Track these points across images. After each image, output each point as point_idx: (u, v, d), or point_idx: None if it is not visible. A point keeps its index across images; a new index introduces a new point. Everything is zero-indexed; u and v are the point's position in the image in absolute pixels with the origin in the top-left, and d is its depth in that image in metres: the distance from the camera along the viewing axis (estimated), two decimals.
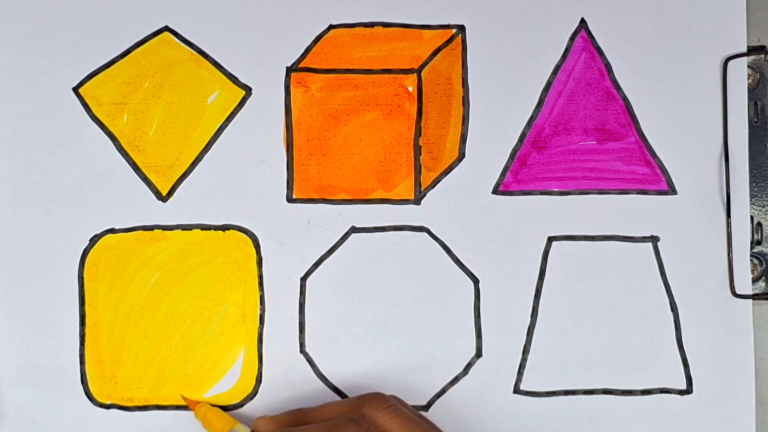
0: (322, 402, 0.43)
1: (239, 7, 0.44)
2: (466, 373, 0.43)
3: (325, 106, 0.44)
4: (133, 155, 0.44)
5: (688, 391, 0.43)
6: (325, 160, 0.44)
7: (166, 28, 0.44)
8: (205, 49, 0.44)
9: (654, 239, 0.44)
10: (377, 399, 0.39)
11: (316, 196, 0.44)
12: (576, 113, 0.44)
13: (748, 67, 0.44)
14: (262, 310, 0.44)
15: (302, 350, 0.44)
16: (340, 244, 0.44)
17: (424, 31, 0.44)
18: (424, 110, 0.44)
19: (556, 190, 0.44)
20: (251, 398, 0.43)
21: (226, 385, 0.43)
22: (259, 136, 0.44)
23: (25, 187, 0.44)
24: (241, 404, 0.43)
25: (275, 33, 0.44)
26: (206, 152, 0.44)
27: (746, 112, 0.44)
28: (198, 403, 0.43)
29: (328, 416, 0.39)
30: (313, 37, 0.44)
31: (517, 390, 0.43)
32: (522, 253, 0.44)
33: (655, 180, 0.44)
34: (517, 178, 0.44)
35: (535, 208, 0.44)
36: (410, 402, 0.43)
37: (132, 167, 0.44)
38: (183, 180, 0.44)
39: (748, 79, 0.44)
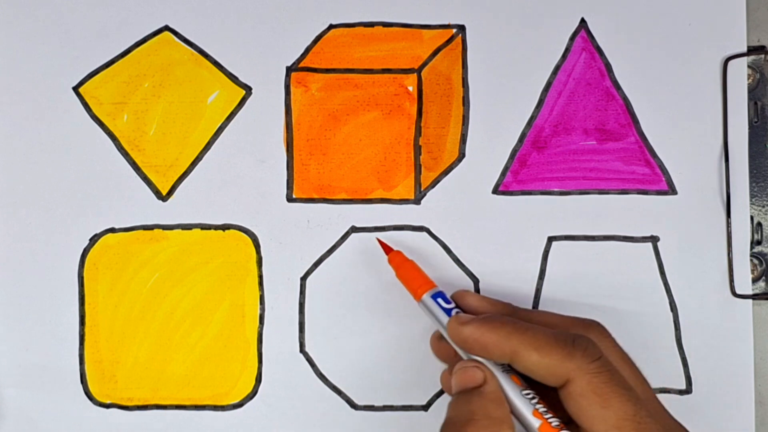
0: (322, 402, 0.43)
1: (239, 7, 0.44)
2: None
3: (325, 106, 0.44)
4: (133, 155, 0.44)
5: (688, 390, 0.44)
6: (325, 160, 0.44)
7: (166, 28, 0.44)
8: (205, 49, 0.44)
9: (654, 239, 0.44)
10: (599, 328, 0.37)
11: (316, 196, 0.44)
12: (576, 113, 0.44)
13: (748, 67, 0.44)
14: (262, 310, 0.44)
15: (302, 350, 0.44)
16: (340, 244, 0.44)
17: (424, 31, 0.44)
18: (424, 110, 0.44)
19: (556, 190, 0.44)
20: (251, 398, 0.43)
21: (226, 385, 0.43)
22: (259, 135, 0.44)
23: (25, 187, 0.44)
24: (240, 404, 0.43)
25: (275, 33, 0.44)
26: (206, 152, 0.44)
27: (746, 112, 0.44)
28: (392, 250, 0.41)
29: (550, 323, 0.38)
30: (313, 37, 0.44)
31: None
32: (522, 253, 0.44)
33: (655, 180, 0.44)
34: (517, 178, 0.44)
35: (535, 208, 0.44)
36: (410, 402, 0.43)
37: (132, 167, 0.44)
38: (183, 180, 0.44)
39: (748, 79, 0.44)
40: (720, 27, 0.44)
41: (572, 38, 0.44)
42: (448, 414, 0.36)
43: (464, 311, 0.39)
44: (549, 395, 0.35)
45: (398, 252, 0.41)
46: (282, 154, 0.44)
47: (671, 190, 0.44)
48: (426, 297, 0.39)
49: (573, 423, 0.35)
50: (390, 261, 0.41)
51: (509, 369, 0.36)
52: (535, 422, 0.35)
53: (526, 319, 0.38)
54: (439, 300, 0.39)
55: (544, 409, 0.35)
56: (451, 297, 0.39)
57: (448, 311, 0.38)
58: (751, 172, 0.44)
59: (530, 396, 0.35)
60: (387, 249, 0.42)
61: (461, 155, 0.44)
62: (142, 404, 0.43)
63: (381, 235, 0.44)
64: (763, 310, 0.44)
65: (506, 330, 0.35)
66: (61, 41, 0.44)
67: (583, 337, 0.35)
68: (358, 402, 0.43)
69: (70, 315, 0.43)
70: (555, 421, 0.35)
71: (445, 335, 0.38)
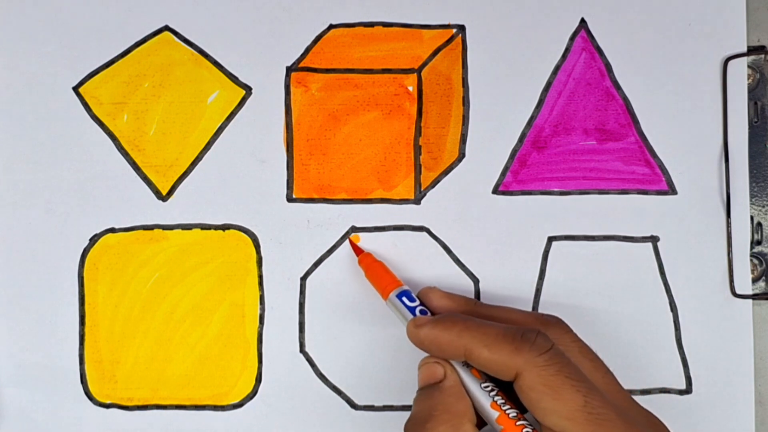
0: (322, 402, 0.43)
1: (239, 7, 0.44)
2: None
3: (325, 105, 0.44)
4: (133, 155, 0.44)
5: (688, 391, 0.44)
6: (325, 160, 0.44)
7: (166, 28, 0.44)
8: (205, 49, 0.44)
9: (654, 239, 0.44)
10: (559, 323, 0.38)
11: (316, 196, 0.44)
12: (576, 113, 0.44)
13: (748, 67, 0.44)
14: (262, 310, 0.44)
15: (302, 350, 0.44)
16: (340, 244, 0.44)
17: (424, 31, 0.44)
18: (424, 110, 0.44)
19: (556, 190, 0.44)
20: (251, 398, 0.43)
21: (226, 385, 0.43)
22: (259, 136, 0.44)
23: (25, 187, 0.44)
24: (240, 404, 0.43)
25: (275, 33, 0.44)
26: (206, 152, 0.44)
27: (746, 112, 0.44)
28: (363, 252, 0.42)
29: (507, 320, 0.39)
30: (313, 37, 0.44)
31: None
32: (522, 253, 0.44)
33: (655, 180, 0.44)
34: (517, 178, 0.44)
35: (535, 208, 0.44)
36: (410, 402, 0.43)
37: (132, 167, 0.44)
38: (183, 180, 0.44)
39: (748, 79, 0.44)
40: (720, 27, 0.44)
41: (572, 38, 0.44)
42: (412, 410, 0.37)
43: (428, 309, 0.39)
44: (513, 389, 0.36)
45: (368, 253, 0.42)
46: (282, 154, 0.44)
47: (671, 190, 0.44)
48: (392, 296, 0.40)
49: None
50: (360, 263, 0.42)
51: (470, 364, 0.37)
52: (493, 414, 0.35)
53: (486, 315, 0.39)
54: (404, 299, 0.39)
55: (503, 401, 0.35)
56: (417, 295, 0.40)
57: (412, 309, 0.39)
58: (751, 172, 0.44)
59: (489, 389, 0.36)
60: (357, 251, 0.42)
61: (461, 155, 0.44)
62: (142, 404, 0.43)
63: (381, 235, 0.44)
64: (763, 310, 0.44)
65: (458, 328, 0.36)
66: (61, 41, 0.44)
67: (532, 330, 0.35)
68: (358, 402, 0.44)
69: (70, 315, 0.43)
70: (512, 412, 0.35)
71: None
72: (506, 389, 0.36)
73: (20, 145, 0.44)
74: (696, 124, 0.44)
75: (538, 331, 0.35)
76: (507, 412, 0.35)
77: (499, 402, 0.35)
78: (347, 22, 0.44)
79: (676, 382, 0.44)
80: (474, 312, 0.39)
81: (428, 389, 0.37)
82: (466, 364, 0.37)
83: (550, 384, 0.34)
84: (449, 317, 0.37)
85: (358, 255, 0.42)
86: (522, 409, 0.36)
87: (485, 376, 0.37)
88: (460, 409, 0.36)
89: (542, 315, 0.39)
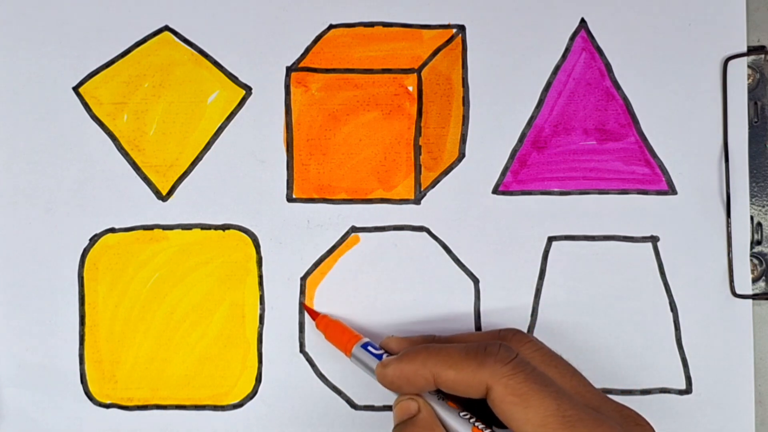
0: (322, 402, 0.43)
1: (239, 7, 0.44)
2: None
3: (325, 106, 0.44)
4: (133, 155, 0.44)
5: (688, 391, 0.44)
6: (325, 160, 0.44)
7: (166, 28, 0.44)
8: (205, 49, 0.44)
9: (654, 239, 0.44)
10: (518, 333, 0.38)
11: (316, 196, 0.44)
12: (576, 113, 0.44)
13: (748, 67, 0.44)
14: (262, 310, 0.44)
15: (302, 350, 0.44)
16: (340, 244, 0.44)
17: (424, 31, 0.44)
18: (424, 110, 0.44)
19: (556, 190, 0.44)
20: (251, 398, 0.43)
21: (226, 385, 0.43)
22: (259, 136, 0.44)
23: (25, 187, 0.44)
24: (240, 404, 0.43)
25: (275, 33, 0.44)
26: (206, 152, 0.44)
27: (746, 112, 0.44)
28: (319, 314, 0.42)
29: (467, 341, 0.39)
30: (313, 37, 0.44)
31: None
32: (522, 253, 0.44)
33: (655, 180, 0.44)
34: (517, 178, 0.44)
35: (535, 208, 0.44)
36: None
37: (132, 167, 0.44)
38: (183, 180, 0.44)
39: (748, 79, 0.44)
40: (720, 27, 0.44)
41: (572, 38, 0.44)
42: None
43: (392, 354, 0.39)
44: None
45: (324, 315, 0.42)
46: (282, 154, 0.44)
47: (671, 190, 0.44)
48: (355, 349, 0.40)
49: None
50: (317, 326, 0.42)
51: (445, 396, 0.37)
52: None
53: (445, 342, 0.39)
54: (369, 348, 0.40)
55: (483, 426, 0.36)
56: (380, 345, 0.40)
57: (378, 356, 0.39)
58: (751, 172, 0.44)
59: (467, 416, 0.36)
60: (313, 314, 0.43)
61: (461, 155, 0.44)
62: (142, 404, 0.43)
63: (381, 235, 0.44)
64: (763, 310, 0.44)
65: (422, 357, 0.36)
66: (61, 41, 0.44)
67: (494, 343, 0.36)
68: (358, 402, 0.44)
69: (70, 315, 0.43)
70: (497, 429, 0.35)
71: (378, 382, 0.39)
72: (484, 418, 0.36)
73: (20, 145, 0.44)
74: (696, 124, 0.44)
75: (500, 343, 0.36)
76: (489, 431, 0.36)
77: (480, 426, 0.36)
78: (347, 22, 0.44)
79: (676, 382, 0.44)
80: (433, 343, 0.39)
81: (402, 425, 0.37)
82: (441, 397, 0.37)
83: (519, 393, 0.34)
84: (411, 349, 0.37)
85: (314, 319, 0.42)
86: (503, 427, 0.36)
87: (461, 406, 0.37)
88: None
89: (500, 330, 0.39)
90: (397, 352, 0.39)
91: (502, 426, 0.35)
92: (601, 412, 0.35)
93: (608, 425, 0.34)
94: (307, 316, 0.43)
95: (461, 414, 0.36)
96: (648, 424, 0.36)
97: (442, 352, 0.36)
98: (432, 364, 0.36)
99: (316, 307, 0.43)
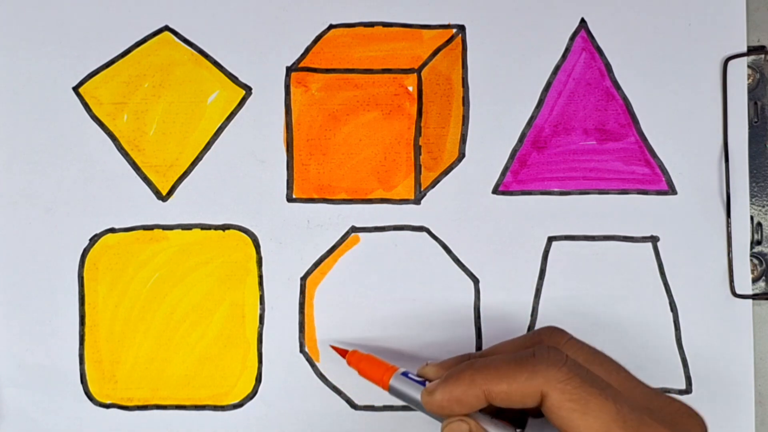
0: (322, 402, 0.43)
1: (239, 7, 0.44)
2: None
3: (325, 106, 0.44)
4: (133, 155, 0.44)
5: (688, 390, 0.44)
6: (325, 160, 0.44)
7: (166, 28, 0.44)
8: (205, 49, 0.44)
9: (654, 239, 0.44)
10: (557, 332, 0.37)
11: (316, 196, 0.44)
12: (576, 113, 0.44)
13: (748, 67, 0.44)
14: (262, 310, 0.44)
15: (302, 350, 0.44)
16: (340, 244, 0.44)
17: (424, 31, 0.44)
18: (424, 110, 0.44)
19: (556, 190, 0.44)
20: (251, 398, 0.43)
21: (226, 385, 0.43)
22: (259, 136, 0.44)
23: (25, 187, 0.44)
24: (240, 404, 0.43)
25: (275, 33, 0.44)
26: (206, 152, 0.44)
27: (746, 112, 0.44)
28: (347, 351, 0.41)
29: (506, 350, 0.37)
30: (313, 37, 0.44)
31: None
32: (522, 253, 0.44)
33: (655, 180, 0.44)
34: (517, 178, 0.44)
35: (535, 208, 0.44)
36: None
37: (132, 167, 0.44)
38: (183, 180, 0.44)
39: (748, 79, 0.44)
40: (720, 27, 0.44)
41: (572, 38, 0.44)
42: None
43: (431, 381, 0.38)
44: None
45: (353, 351, 0.41)
46: (282, 154, 0.44)
47: (671, 190, 0.44)
48: (393, 380, 0.38)
49: None
50: (349, 363, 0.41)
51: (492, 412, 0.36)
52: None
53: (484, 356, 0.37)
54: (409, 376, 0.38)
55: None
56: (417, 373, 0.38)
57: (420, 383, 0.37)
58: (751, 172, 0.44)
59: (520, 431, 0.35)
60: (341, 352, 0.41)
61: (461, 155, 0.44)
62: (142, 404, 0.43)
63: (381, 235, 0.44)
64: (763, 310, 0.44)
65: (468, 375, 0.34)
66: (61, 41, 0.44)
67: (542, 347, 0.34)
68: (358, 402, 0.44)
69: (70, 315, 0.43)
70: None
71: (425, 411, 0.37)
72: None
73: (20, 145, 0.44)
74: (696, 124, 0.44)
75: (547, 346, 0.34)
76: None
77: None
78: (347, 22, 0.44)
79: (676, 382, 0.44)
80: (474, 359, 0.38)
81: None
82: (491, 414, 0.36)
83: (576, 399, 0.32)
84: (455, 370, 0.35)
85: (344, 356, 0.41)
86: None
87: (511, 423, 0.36)
88: None
89: (537, 331, 0.37)
90: (436, 378, 0.37)
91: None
92: (653, 411, 0.34)
93: (666, 428, 0.33)
94: (306, 316, 0.43)
95: (517, 430, 0.35)
96: (698, 415, 0.35)
97: (490, 366, 0.34)
98: (481, 380, 0.34)
99: (316, 307, 0.43)
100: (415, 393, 0.37)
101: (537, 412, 0.35)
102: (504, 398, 0.34)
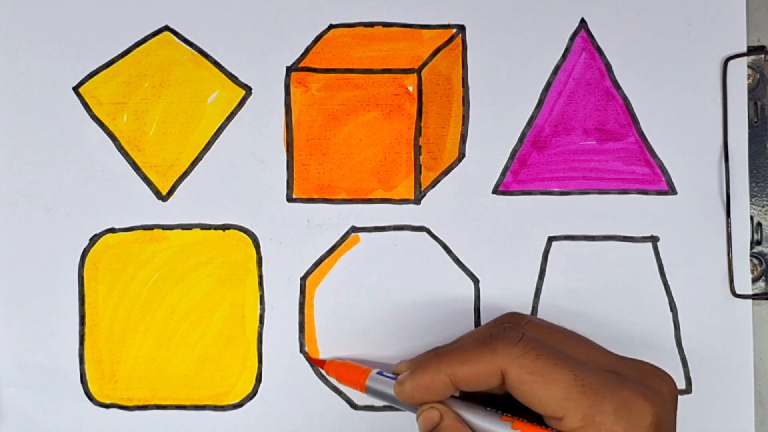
0: (322, 402, 0.43)
1: (239, 7, 0.44)
2: None
3: (325, 106, 0.44)
4: (133, 155, 0.44)
5: (688, 390, 0.44)
6: (325, 160, 0.44)
7: (166, 28, 0.44)
8: (205, 49, 0.44)
9: (654, 239, 0.44)
10: (516, 315, 0.39)
11: (316, 196, 0.44)
12: (576, 113, 0.44)
13: (748, 67, 0.44)
14: (262, 310, 0.44)
15: (302, 350, 0.44)
16: (340, 244, 0.44)
17: (424, 31, 0.44)
18: (424, 110, 0.44)
19: (556, 190, 0.44)
20: (251, 398, 0.43)
21: (226, 385, 0.43)
22: (259, 136, 0.44)
23: (25, 187, 0.44)
24: (240, 404, 0.43)
25: (275, 33, 0.44)
26: (206, 152, 0.44)
27: (746, 112, 0.44)
28: (325, 362, 0.42)
29: (469, 337, 0.38)
30: (313, 37, 0.44)
31: None
32: (522, 253, 0.44)
33: (655, 180, 0.44)
34: (517, 178, 0.44)
35: (535, 208, 0.44)
36: None
37: (132, 167, 0.44)
38: (183, 180, 0.44)
39: (748, 79, 0.44)
40: (720, 27, 0.44)
41: (572, 38, 0.44)
42: None
43: None
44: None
45: (330, 361, 0.42)
46: (282, 154, 0.44)
47: (671, 190, 0.44)
48: (369, 381, 0.39)
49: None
50: (327, 373, 0.42)
51: (467, 398, 0.37)
52: (507, 424, 0.35)
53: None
54: (383, 375, 0.39)
55: (511, 414, 0.36)
56: (392, 372, 0.40)
57: (393, 378, 0.39)
58: (751, 172, 0.44)
59: (494, 410, 0.36)
60: (319, 363, 0.42)
61: (461, 155, 0.44)
62: (142, 404, 0.43)
63: (381, 235, 0.44)
64: (763, 310, 0.44)
65: (434, 363, 0.36)
66: (61, 41, 0.44)
67: (498, 327, 0.36)
68: (358, 402, 0.44)
69: (70, 315, 0.43)
70: (524, 418, 0.35)
71: (400, 405, 0.38)
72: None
73: (20, 145, 0.44)
74: (696, 124, 0.44)
75: (504, 326, 0.36)
76: (519, 418, 0.35)
77: (508, 415, 0.36)
78: (347, 22, 0.44)
79: (675, 381, 0.43)
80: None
81: None
82: (462, 399, 0.37)
83: (535, 371, 0.34)
84: (422, 358, 0.37)
85: (322, 367, 0.42)
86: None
87: (485, 404, 0.37)
88: None
89: (497, 319, 0.39)
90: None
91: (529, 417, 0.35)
92: (619, 374, 0.35)
93: (629, 386, 0.33)
94: (306, 316, 0.43)
95: (487, 409, 0.36)
96: (666, 374, 0.36)
97: (453, 352, 0.36)
98: (446, 366, 0.35)
99: (316, 307, 0.43)
100: (390, 389, 0.38)
101: (507, 399, 0.36)
102: (469, 381, 0.35)
